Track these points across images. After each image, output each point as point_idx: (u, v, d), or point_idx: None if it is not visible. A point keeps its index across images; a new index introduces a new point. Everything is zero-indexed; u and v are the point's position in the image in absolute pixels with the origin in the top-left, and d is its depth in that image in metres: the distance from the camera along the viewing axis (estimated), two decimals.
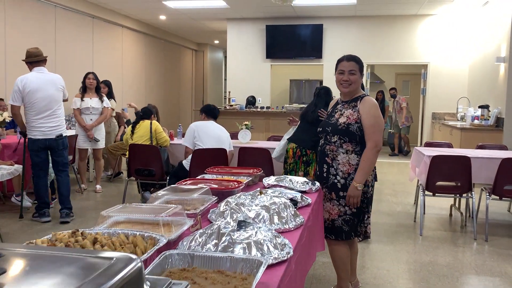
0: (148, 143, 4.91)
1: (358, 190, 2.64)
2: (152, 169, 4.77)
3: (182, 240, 1.57)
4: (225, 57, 14.26)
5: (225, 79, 11.81)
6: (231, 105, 8.79)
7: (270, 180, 2.66)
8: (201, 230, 1.58)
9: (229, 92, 9.89)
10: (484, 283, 3.34)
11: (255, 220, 1.78)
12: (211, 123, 4.66)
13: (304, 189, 2.55)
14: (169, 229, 1.62)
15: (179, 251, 1.36)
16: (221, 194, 2.25)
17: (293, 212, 1.91)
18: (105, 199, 5.74)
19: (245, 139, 5.42)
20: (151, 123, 4.98)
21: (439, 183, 4.43)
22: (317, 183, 2.69)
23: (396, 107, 9.84)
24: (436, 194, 4.48)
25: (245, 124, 5.52)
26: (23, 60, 4.66)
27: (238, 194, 2.01)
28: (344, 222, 2.73)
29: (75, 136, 5.89)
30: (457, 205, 5.20)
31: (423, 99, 9.76)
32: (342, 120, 2.72)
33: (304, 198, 2.28)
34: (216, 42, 14.18)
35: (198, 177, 2.64)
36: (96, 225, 1.65)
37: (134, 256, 0.73)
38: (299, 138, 3.95)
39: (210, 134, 4.53)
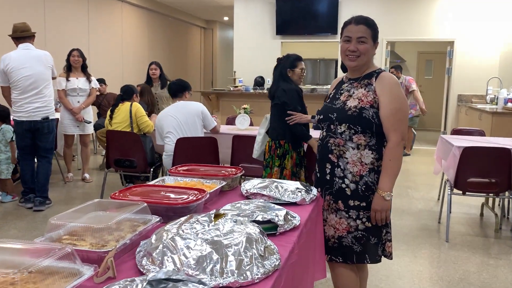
0: (129, 130, 4.26)
1: (387, 201, 1.97)
2: (133, 159, 4.14)
3: None
4: None
5: None
6: (236, 86, 8.07)
7: (250, 185, 1.98)
8: None
9: (235, 72, 9.16)
10: None
11: (196, 269, 1.10)
12: (172, 108, 3.87)
13: (294, 200, 1.87)
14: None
15: None
16: (172, 211, 1.59)
17: (262, 249, 1.23)
18: (91, 191, 5.15)
19: (243, 125, 4.73)
20: (131, 106, 4.30)
21: (470, 179, 3.68)
22: (314, 190, 2.00)
23: None
24: (467, 193, 3.73)
25: (244, 108, 4.83)
26: (10, 36, 4.31)
27: (184, 218, 1.33)
28: (356, 240, 2.04)
29: (56, 120, 5.29)
30: (490, 204, 4.44)
31: (448, 79, 8.86)
32: (352, 103, 2.01)
33: (289, 217, 1.59)
34: (226, 19, 13.39)
35: (151, 182, 1.96)
36: None
37: None
38: (271, 127, 3.43)
39: (168, 123, 3.80)
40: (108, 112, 4.39)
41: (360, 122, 1.99)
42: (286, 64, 3.34)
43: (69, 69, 5.31)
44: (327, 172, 2.09)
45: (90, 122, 5.44)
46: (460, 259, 3.36)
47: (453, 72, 8.65)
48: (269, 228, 1.49)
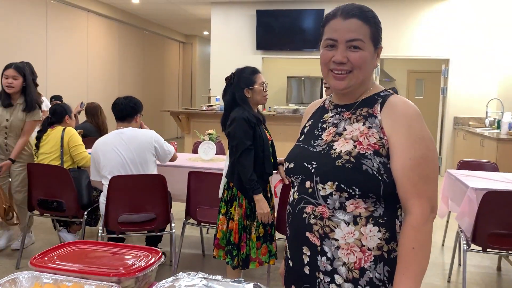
0: (58, 163, 3.35)
1: None
2: (61, 200, 3.22)
3: None
4: None
5: None
6: (211, 105, 7.21)
7: None
8: None
9: (210, 89, 8.33)
10: None
11: None
12: (116, 138, 2.91)
13: None
14: None
15: None
16: None
17: None
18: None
19: (208, 155, 3.87)
20: (63, 131, 3.39)
21: (493, 231, 2.85)
22: None
23: None
24: (488, 250, 2.90)
25: (209, 134, 3.97)
26: None
27: None
28: None
29: None
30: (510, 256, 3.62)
31: (443, 100, 8.14)
32: (343, 146, 1.19)
33: None
34: (206, 33, 12.62)
35: None
36: None
37: None
38: None
39: (110, 160, 2.88)
40: (34, 140, 3.47)
41: (358, 180, 1.15)
42: (241, 84, 2.53)
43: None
44: (305, 262, 1.24)
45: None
46: None
47: (448, 92, 7.94)
48: None
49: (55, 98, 6.08)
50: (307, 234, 1.22)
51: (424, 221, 1.15)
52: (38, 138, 3.41)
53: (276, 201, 2.89)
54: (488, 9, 7.59)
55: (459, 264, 3.61)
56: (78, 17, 8.26)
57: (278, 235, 2.85)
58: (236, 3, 8.45)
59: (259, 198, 2.40)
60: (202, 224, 3.18)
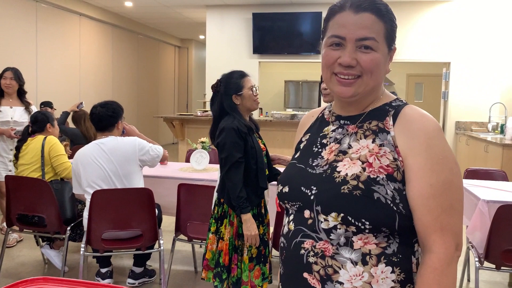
0: (39, 175, 3.12)
1: None
2: (42, 215, 3.00)
3: None
4: None
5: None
6: (206, 111, 6.99)
7: None
8: None
9: (205, 94, 8.12)
10: None
11: None
12: (96, 150, 2.69)
13: None
14: None
15: None
16: None
17: None
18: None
19: (201, 164, 3.65)
20: (44, 140, 3.17)
21: (508, 248, 2.64)
22: None
23: None
24: (503, 268, 2.68)
25: (202, 142, 3.76)
26: None
27: None
28: None
29: None
30: None
31: (445, 104, 7.96)
32: (349, 169, 0.98)
33: None
34: (202, 37, 12.43)
35: None
36: None
37: None
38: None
39: (92, 173, 2.68)
40: (13, 150, 3.25)
41: (368, 212, 0.94)
42: (228, 91, 2.32)
43: (0, 95, 4.12)
44: None
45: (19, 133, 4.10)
46: None
47: (449, 96, 7.75)
48: None
49: (45, 105, 5.87)
50: (305, 275, 1.01)
51: (449, 262, 0.93)
52: (18, 148, 3.19)
53: (273, 215, 2.68)
54: (490, 10, 7.42)
55: (468, 280, 3.40)
56: (70, 21, 8.05)
57: (273, 252, 2.63)
58: (232, 6, 8.26)
59: (247, 218, 2.18)
60: (193, 240, 2.95)
